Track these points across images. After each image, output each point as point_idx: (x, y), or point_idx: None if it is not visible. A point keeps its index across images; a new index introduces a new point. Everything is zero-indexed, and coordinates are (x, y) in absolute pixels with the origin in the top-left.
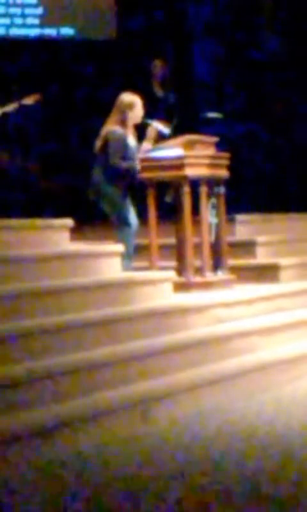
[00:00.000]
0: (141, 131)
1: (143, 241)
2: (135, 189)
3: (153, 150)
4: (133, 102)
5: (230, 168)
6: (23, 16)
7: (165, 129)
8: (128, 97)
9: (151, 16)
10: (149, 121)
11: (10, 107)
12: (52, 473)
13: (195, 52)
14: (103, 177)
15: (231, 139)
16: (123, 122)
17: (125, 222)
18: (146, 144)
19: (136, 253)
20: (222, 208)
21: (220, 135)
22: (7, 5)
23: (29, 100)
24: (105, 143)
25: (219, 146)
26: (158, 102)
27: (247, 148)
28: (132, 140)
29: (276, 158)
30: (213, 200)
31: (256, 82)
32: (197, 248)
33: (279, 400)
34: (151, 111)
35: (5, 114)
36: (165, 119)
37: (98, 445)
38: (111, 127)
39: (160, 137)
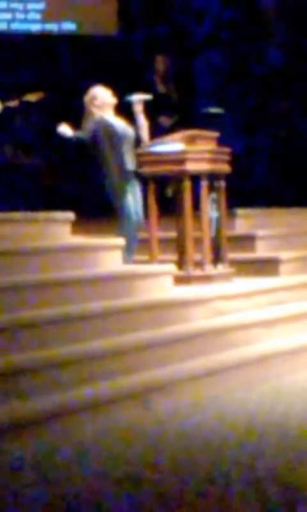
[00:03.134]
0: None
1: (144, 235)
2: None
3: (154, 144)
4: (93, 94)
5: (231, 162)
6: (25, 11)
7: (145, 96)
8: (86, 95)
9: (152, 13)
10: (129, 98)
11: (12, 103)
12: (51, 462)
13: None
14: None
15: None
16: (94, 112)
17: (122, 214)
18: (140, 119)
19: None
20: (223, 202)
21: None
22: (9, 0)
23: (31, 98)
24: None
25: (220, 141)
26: (160, 98)
27: (248, 148)
28: (116, 121)
29: (277, 154)
30: (214, 194)
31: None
32: (198, 241)
33: (277, 391)
34: (153, 106)
35: (9, 109)
36: (167, 114)
37: (98, 434)
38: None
39: (147, 104)
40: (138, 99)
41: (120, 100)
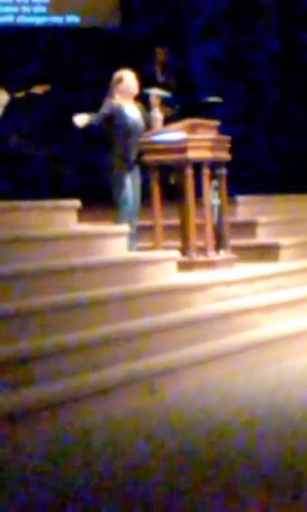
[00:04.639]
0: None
1: (148, 222)
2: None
3: (156, 133)
4: (121, 76)
5: (232, 150)
6: (31, 4)
7: (165, 93)
8: (117, 73)
9: (153, 5)
10: (148, 90)
11: (19, 95)
12: (60, 446)
13: (193, 54)
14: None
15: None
16: (115, 97)
17: (119, 202)
18: (155, 112)
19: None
20: (224, 189)
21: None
22: None
23: (37, 90)
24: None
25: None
26: (161, 88)
27: (248, 131)
28: (131, 111)
29: (277, 142)
30: (216, 182)
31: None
32: (200, 228)
33: (279, 375)
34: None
35: (15, 101)
36: (167, 104)
37: (105, 418)
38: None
39: (164, 100)
40: (156, 93)
41: None
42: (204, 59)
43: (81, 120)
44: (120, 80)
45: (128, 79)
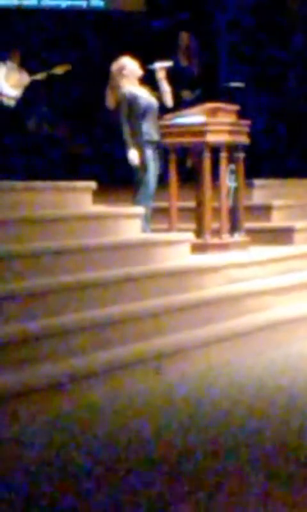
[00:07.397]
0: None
1: (163, 204)
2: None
3: (176, 116)
4: (120, 65)
5: (249, 134)
6: None
7: (166, 63)
8: (115, 65)
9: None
10: (151, 66)
11: (40, 76)
12: (65, 425)
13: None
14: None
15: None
16: (121, 86)
17: (144, 184)
18: (163, 85)
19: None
20: (241, 173)
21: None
22: None
23: (58, 70)
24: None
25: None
26: (183, 72)
27: (266, 116)
28: (142, 92)
29: (293, 125)
30: (232, 165)
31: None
32: (216, 211)
33: (287, 357)
34: (177, 80)
35: (35, 82)
36: (190, 88)
37: (111, 398)
38: (117, 91)
39: (169, 70)
40: (160, 66)
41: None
42: (229, 53)
43: (134, 156)
44: (123, 67)
45: (129, 63)
